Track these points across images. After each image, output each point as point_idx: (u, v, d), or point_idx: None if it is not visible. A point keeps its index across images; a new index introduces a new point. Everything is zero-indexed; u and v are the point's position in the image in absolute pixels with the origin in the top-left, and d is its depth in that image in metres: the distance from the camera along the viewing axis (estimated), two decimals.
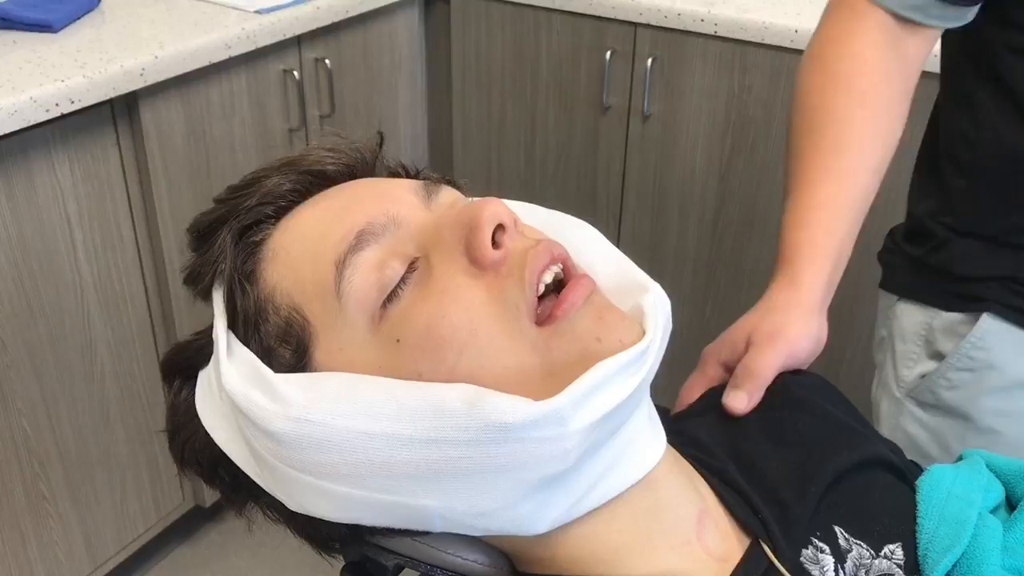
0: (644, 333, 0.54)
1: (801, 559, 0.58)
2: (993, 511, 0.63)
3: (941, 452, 0.98)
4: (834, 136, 0.83)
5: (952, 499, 0.61)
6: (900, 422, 1.01)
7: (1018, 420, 0.94)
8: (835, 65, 0.86)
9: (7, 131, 1.33)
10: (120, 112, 1.52)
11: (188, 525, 1.97)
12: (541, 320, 0.53)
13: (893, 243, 1.03)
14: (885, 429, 1.03)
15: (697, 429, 0.68)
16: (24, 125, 1.35)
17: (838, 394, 0.74)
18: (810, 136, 0.85)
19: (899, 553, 0.59)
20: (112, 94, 1.45)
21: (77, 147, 1.46)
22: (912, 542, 0.60)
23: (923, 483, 0.63)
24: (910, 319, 0.99)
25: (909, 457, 0.72)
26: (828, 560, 0.58)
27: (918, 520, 0.60)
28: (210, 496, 1.89)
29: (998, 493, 0.65)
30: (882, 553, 0.59)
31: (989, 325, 0.92)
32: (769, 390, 0.71)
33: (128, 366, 1.66)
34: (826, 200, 0.82)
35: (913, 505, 0.62)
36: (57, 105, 1.38)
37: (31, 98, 1.34)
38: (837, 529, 0.60)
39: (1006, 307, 0.91)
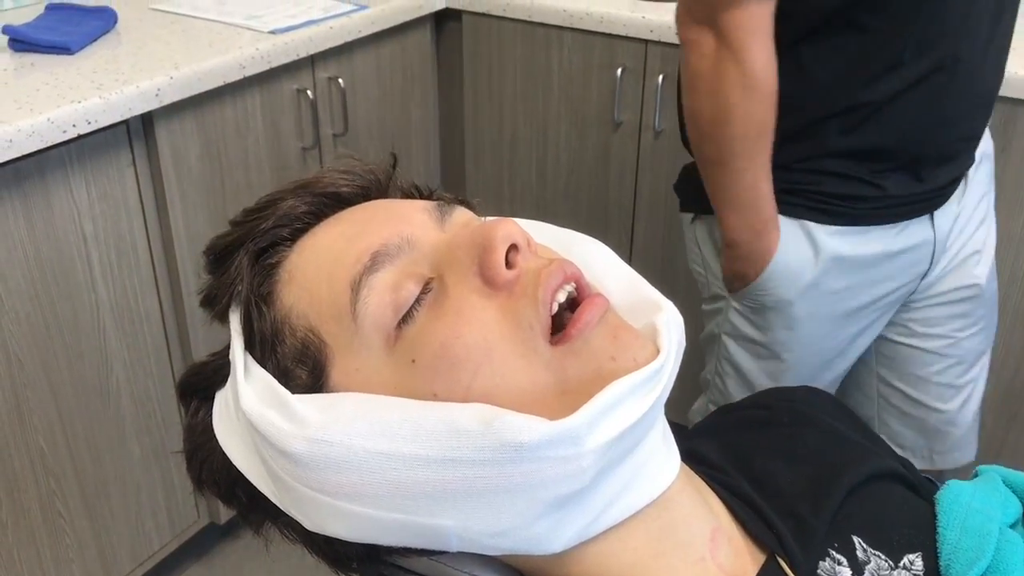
0: (658, 352, 0.54)
1: (819, 572, 0.57)
2: (1011, 527, 0.63)
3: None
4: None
5: (972, 512, 0.61)
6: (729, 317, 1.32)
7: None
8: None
9: (25, 152, 1.35)
10: (136, 132, 1.53)
11: (203, 542, 1.97)
12: (555, 339, 0.53)
13: (684, 172, 1.33)
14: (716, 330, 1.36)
15: (707, 448, 0.68)
16: (42, 146, 1.36)
17: (845, 410, 0.74)
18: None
19: (919, 563, 0.59)
20: (128, 115, 1.47)
21: (93, 167, 1.48)
22: (932, 553, 0.59)
23: (942, 496, 0.63)
24: (704, 230, 1.32)
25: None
26: (846, 572, 0.57)
27: (939, 531, 0.60)
28: (225, 514, 1.89)
29: (1016, 509, 0.64)
30: (901, 563, 0.58)
31: None
32: (775, 408, 0.71)
33: (144, 384, 1.67)
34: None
35: (931, 517, 0.62)
36: (74, 126, 1.39)
37: (48, 119, 1.36)
38: (855, 539, 0.60)
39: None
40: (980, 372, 1.42)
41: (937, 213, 1.24)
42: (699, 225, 1.33)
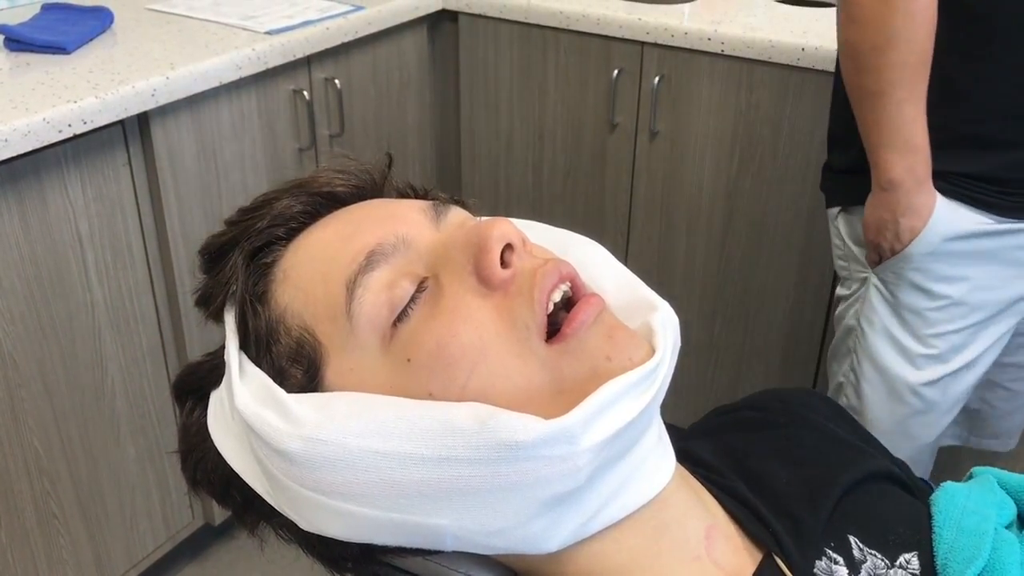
0: (653, 351, 0.54)
1: (815, 571, 0.58)
2: (1006, 528, 0.63)
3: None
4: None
5: (968, 513, 0.61)
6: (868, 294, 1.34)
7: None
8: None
9: (21, 151, 1.34)
10: (131, 132, 1.53)
11: (198, 543, 1.97)
12: (551, 339, 0.53)
13: (825, 169, 1.40)
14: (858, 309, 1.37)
15: (702, 448, 0.68)
16: (37, 146, 1.36)
17: (841, 412, 0.74)
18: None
19: (915, 563, 0.59)
20: (124, 115, 1.47)
21: (89, 167, 1.48)
22: (928, 552, 0.59)
23: (938, 497, 0.63)
24: (850, 223, 1.36)
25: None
26: (842, 571, 0.58)
27: (935, 531, 0.60)
28: (220, 514, 1.89)
29: (1011, 511, 0.65)
30: (897, 562, 0.59)
31: None
32: (770, 410, 0.71)
33: (139, 385, 1.67)
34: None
35: (927, 517, 0.62)
36: (70, 126, 1.39)
37: (44, 119, 1.35)
38: (851, 538, 0.60)
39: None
40: None
41: None
42: (844, 218, 1.36)
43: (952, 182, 1.22)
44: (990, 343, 1.32)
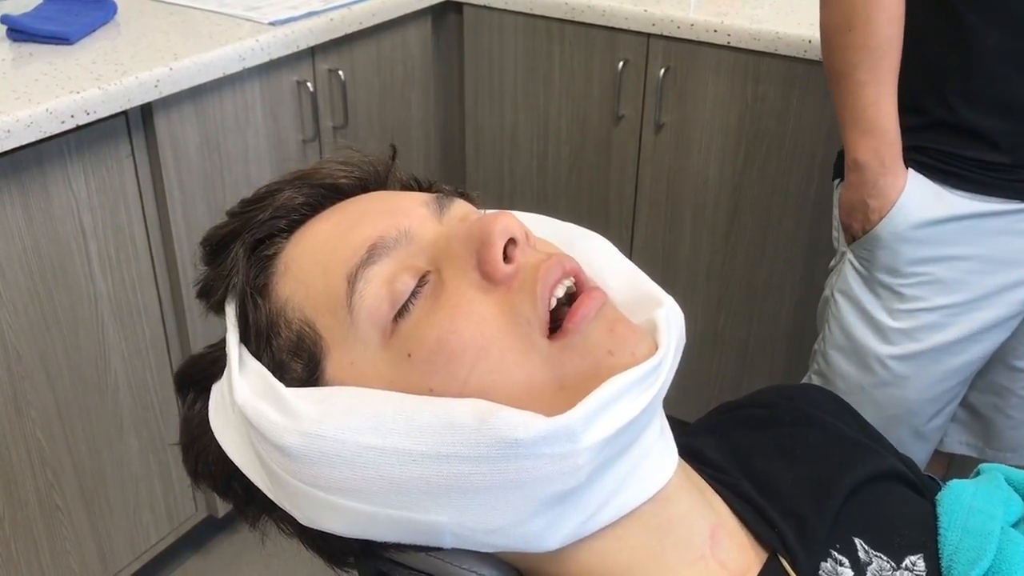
0: (657, 346, 0.54)
1: (820, 572, 0.57)
2: (1014, 526, 0.63)
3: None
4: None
5: (974, 512, 0.60)
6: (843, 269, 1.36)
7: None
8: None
9: (23, 142, 1.34)
10: (135, 123, 1.53)
11: (201, 535, 1.97)
12: (553, 333, 0.53)
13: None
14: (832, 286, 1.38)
15: (706, 446, 0.68)
16: (40, 136, 1.36)
17: (848, 409, 0.74)
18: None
19: (921, 564, 0.58)
20: (127, 106, 1.46)
21: (92, 158, 1.47)
22: (934, 554, 0.59)
23: (944, 497, 0.63)
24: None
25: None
26: (847, 573, 0.57)
27: (940, 532, 0.60)
28: (223, 507, 1.89)
29: (1018, 508, 0.64)
30: (903, 564, 0.58)
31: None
32: (776, 407, 0.71)
33: (142, 377, 1.67)
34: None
35: (933, 518, 0.61)
36: (72, 116, 1.39)
37: (47, 110, 1.35)
38: (857, 541, 0.59)
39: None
40: None
41: None
42: (839, 191, 1.38)
43: (938, 159, 1.23)
44: (974, 329, 1.29)
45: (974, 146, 1.20)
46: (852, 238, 1.32)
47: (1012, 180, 1.21)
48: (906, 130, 1.23)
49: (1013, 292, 1.27)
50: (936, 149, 1.22)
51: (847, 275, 1.35)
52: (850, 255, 1.34)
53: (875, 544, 0.59)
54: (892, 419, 1.36)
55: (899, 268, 1.28)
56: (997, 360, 1.40)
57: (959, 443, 1.55)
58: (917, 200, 1.23)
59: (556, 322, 0.54)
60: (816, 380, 1.46)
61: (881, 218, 1.25)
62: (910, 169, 1.25)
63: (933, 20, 1.20)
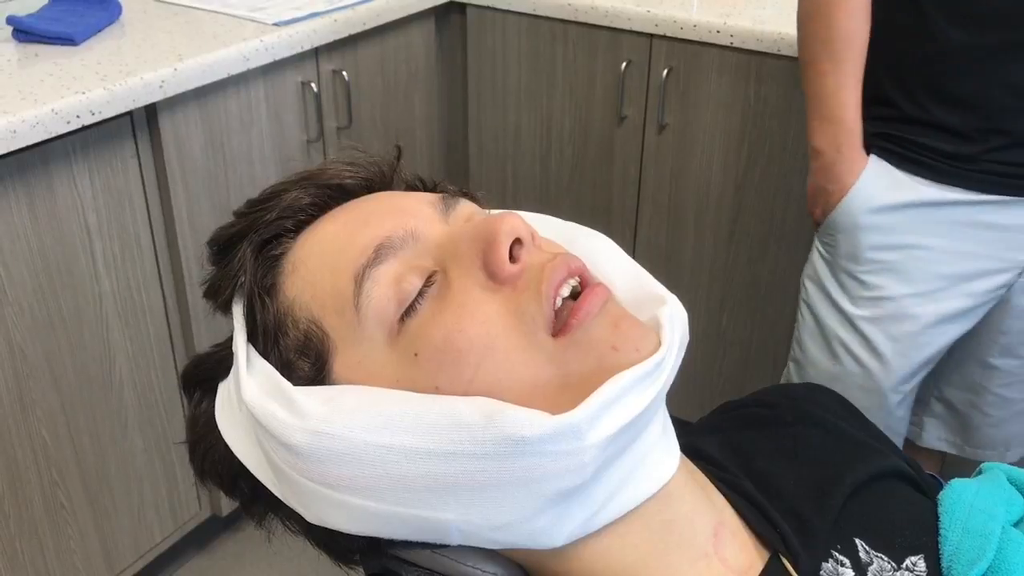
0: (660, 343, 0.54)
1: (821, 572, 0.57)
2: (1015, 525, 0.63)
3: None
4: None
5: (975, 512, 0.60)
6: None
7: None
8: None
9: (29, 143, 1.35)
10: (140, 124, 1.53)
11: (205, 534, 1.98)
12: (557, 331, 0.53)
13: None
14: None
15: (709, 444, 0.68)
16: (45, 137, 1.36)
17: (850, 408, 0.74)
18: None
19: (922, 565, 0.58)
20: (132, 106, 1.47)
21: (97, 159, 1.48)
22: (935, 555, 0.59)
23: (945, 496, 0.63)
24: None
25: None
26: (848, 573, 0.57)
27: (941, 533, 0.60)
28: (227, 505, 1.89)
29: (1020, 507, 0.64)
30: (904, 565, 0.58)
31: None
32: (779, 406, 0.71)
33: (146, 376, 1.67)
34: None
35: (934, 517, 0.61)
36: (78, 117, 1.39)
37: (52, 110, 1.36)
38: (858, 542, 0.59)
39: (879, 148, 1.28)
40: None
41: None
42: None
43: (902, 146, 1.25)
44: (934, 320, 1.30)
45: (939, 137, 1.22)
46: (816, 224, 1.35)
47: (972, 170, 1.22)
48: (874, 119, 1.26)
49: (973, 283, 1.28)
50: (901, 137, 1.25)
51: (815, 261, 1.38)
52: (817, 242, 1.37)
53: (876, 545, 0.59)
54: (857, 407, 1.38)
55: (859, 254, 1.30)
56: (971, 357, 1.40)
57: (938, 439, 1.55)
58: (875, 185, 1.26)
59: (562, 321, 0.54)
60: (792, 367, 1.48)
61: (837, 203, 1.28)
62: (873, 156, 1.27)
63: (900, 17, 1.22)
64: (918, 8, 1.19)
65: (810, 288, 1.40)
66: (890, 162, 1.26)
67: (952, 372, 1.44)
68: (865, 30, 1.23)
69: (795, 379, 1.47)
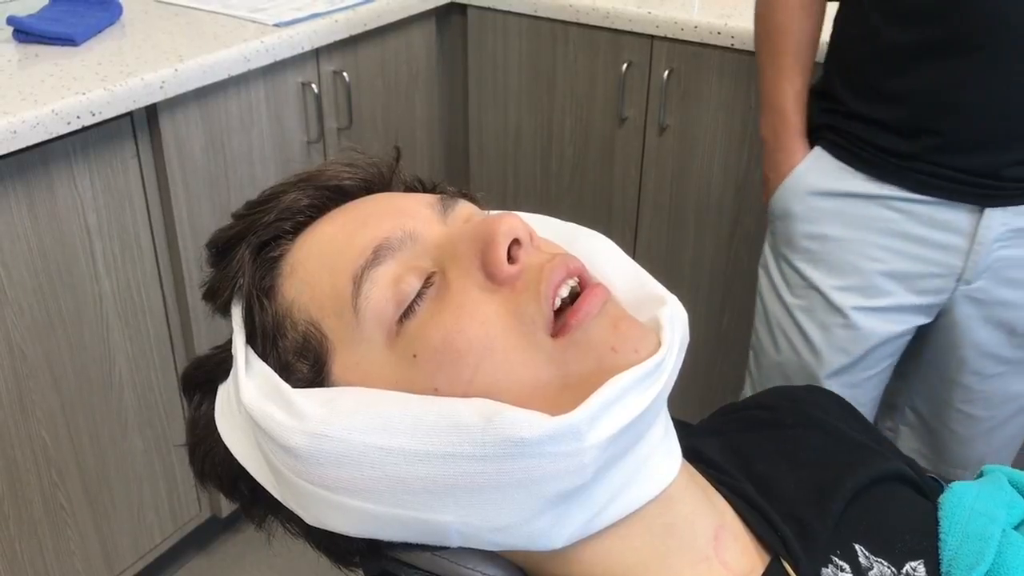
0: (660, 344, 0.54)
1: None
2: (1016, 528, 0.63)
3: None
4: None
5: (975, 515, 0.60)
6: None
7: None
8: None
9: (29, 143, 1.34)
10: (140, 124, 1.53)
11: (205, 535, 1.98)
12: (556, 331, 0.53)
13: None
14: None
15: (709, 447, 0.68)
16: (46, 137, 1.36)
17: (851, 411, 0.74)
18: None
19: (921, 570, 0.58)
20: (132, 107, 1.47)
21: (97, 159, 1.48)
22: (935, 559, 0.59)
23: (945, 500, 0.63)
24: None
25: None
26: None
27: (940, 537, 0.59)
28: (227, 507, 1.89)
29: (1021, 509, 0.64)
30: (903, 570, 0.58)
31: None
32: (779, 409, 0.71)
33: (146, 376, 1.67)
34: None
35: (934, 521, 0.61)
36: (78, 118, 1.39)
37: (53, 111, 1.35)
38: (857, 547, 0.59)
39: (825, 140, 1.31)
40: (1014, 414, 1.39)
41: (992, 211, 1.19)
42: None
43: (845, 138, 1.27)
44: (864, 314, 1.29)
45: (877, 133, 1.23)
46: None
47: (908, 169, 1.21)
48: (822, 111, 1.29)
49: (904, 283, 1.27)
50: (844, 130, 1.26)
51: (765, 251, 1.42)
52: (768, 231, 1.40)
53: (876, 550, 0.59)
54: None
55: (793, 242, 1.33)
56: (934, 370, 1.38)
57: (910, 450, 1.51)
58: (812, 174, 1.29)
59: (561, 322, 0.54)
60: (751, 355, 1.50)
61: (774, 190, 1.33)
62: (818, 147, 1.30)
63: (848, 14, 1.26)
64: (860, 5, 1.23)
65: (761, 277, 1.44)
66: (832, 153, 1.28)
67: (920, 383, 1.43)
68: (807, 25, 1.29)
69: (753, 367, 1.49)
